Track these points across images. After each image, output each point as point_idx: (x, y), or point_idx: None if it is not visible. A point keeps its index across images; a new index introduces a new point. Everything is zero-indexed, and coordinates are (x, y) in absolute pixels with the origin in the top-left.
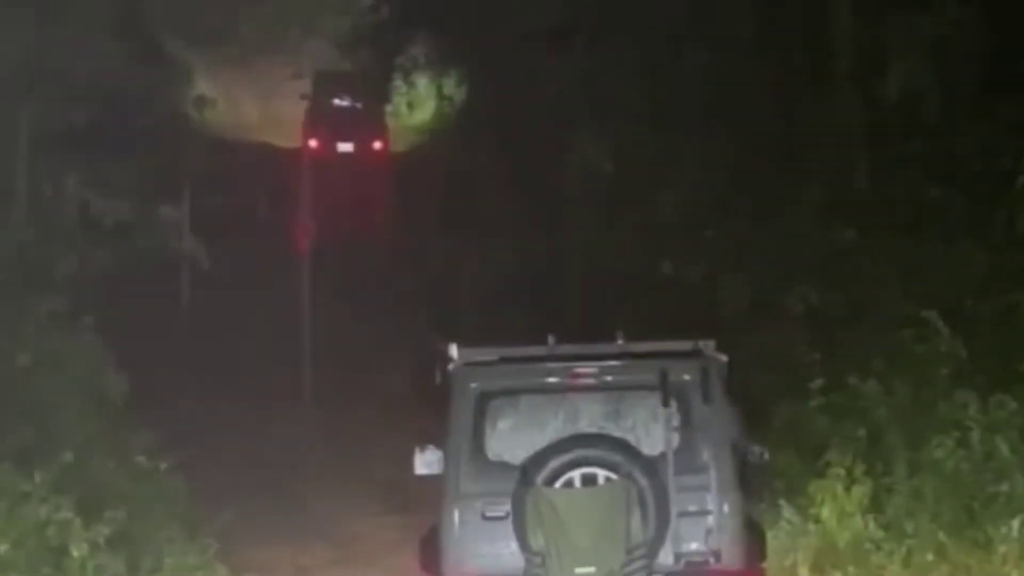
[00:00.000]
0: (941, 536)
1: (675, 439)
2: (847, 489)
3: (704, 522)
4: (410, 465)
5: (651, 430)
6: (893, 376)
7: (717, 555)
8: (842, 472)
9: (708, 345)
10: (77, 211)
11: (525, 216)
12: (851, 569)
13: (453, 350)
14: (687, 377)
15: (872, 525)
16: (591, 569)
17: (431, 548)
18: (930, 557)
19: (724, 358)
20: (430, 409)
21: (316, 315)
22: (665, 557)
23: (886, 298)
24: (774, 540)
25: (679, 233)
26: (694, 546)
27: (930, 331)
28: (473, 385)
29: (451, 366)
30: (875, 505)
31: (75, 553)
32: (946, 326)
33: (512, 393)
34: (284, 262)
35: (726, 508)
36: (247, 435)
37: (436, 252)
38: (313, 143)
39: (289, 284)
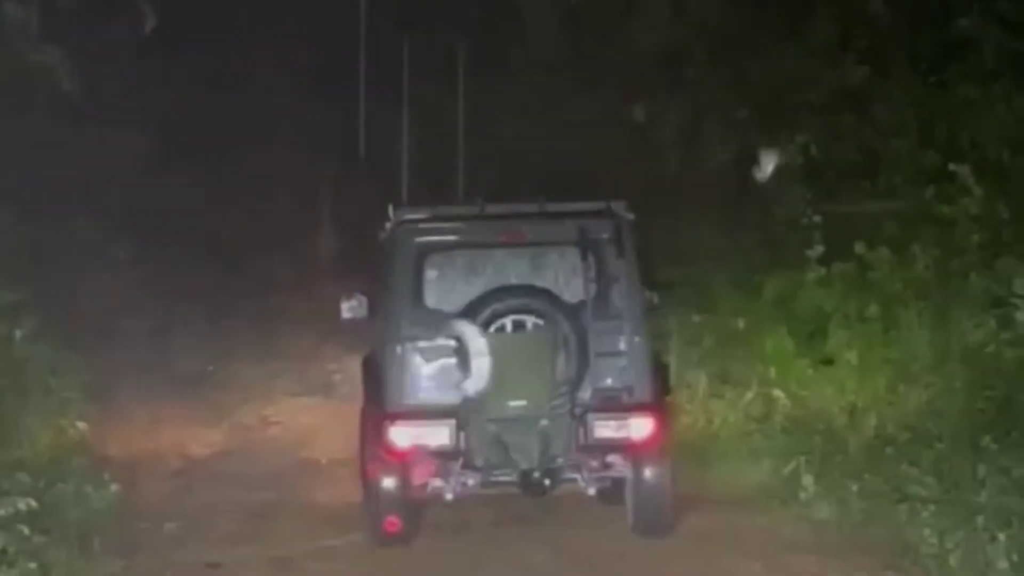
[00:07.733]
0: (987, 440)
1: (593, 289)
2: (859, 380)
3: (618, 362)
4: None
5: (571, 282)
6: (911, 242)
7: (629, 390)
8: (853, 359)
9: (620, 205)
10: None
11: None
12: (867, 478)
13: (390, 210)
14: (604, 235)
15: (891, 424)
16: (523, 402)
17: (373, 384)
18: (973, 467)
19: (631, 216)
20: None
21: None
22: (584, 393)
23: (903, 149)
24: (768, 441)
25: (654, 72)
26: (609, 382)
27: (957, 189)
28: (416, 240)
29: (391, 223)
30: (895, 399)
31: None
32: (978, 184)
33: (448, 248)
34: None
35: (636, 350)
36: (143, 290)
37: None
38: None
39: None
